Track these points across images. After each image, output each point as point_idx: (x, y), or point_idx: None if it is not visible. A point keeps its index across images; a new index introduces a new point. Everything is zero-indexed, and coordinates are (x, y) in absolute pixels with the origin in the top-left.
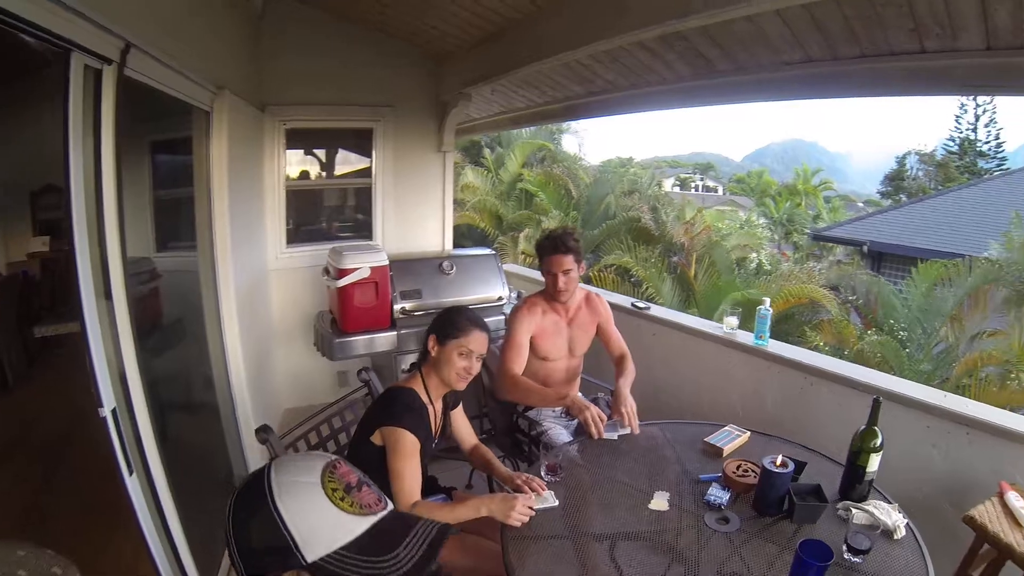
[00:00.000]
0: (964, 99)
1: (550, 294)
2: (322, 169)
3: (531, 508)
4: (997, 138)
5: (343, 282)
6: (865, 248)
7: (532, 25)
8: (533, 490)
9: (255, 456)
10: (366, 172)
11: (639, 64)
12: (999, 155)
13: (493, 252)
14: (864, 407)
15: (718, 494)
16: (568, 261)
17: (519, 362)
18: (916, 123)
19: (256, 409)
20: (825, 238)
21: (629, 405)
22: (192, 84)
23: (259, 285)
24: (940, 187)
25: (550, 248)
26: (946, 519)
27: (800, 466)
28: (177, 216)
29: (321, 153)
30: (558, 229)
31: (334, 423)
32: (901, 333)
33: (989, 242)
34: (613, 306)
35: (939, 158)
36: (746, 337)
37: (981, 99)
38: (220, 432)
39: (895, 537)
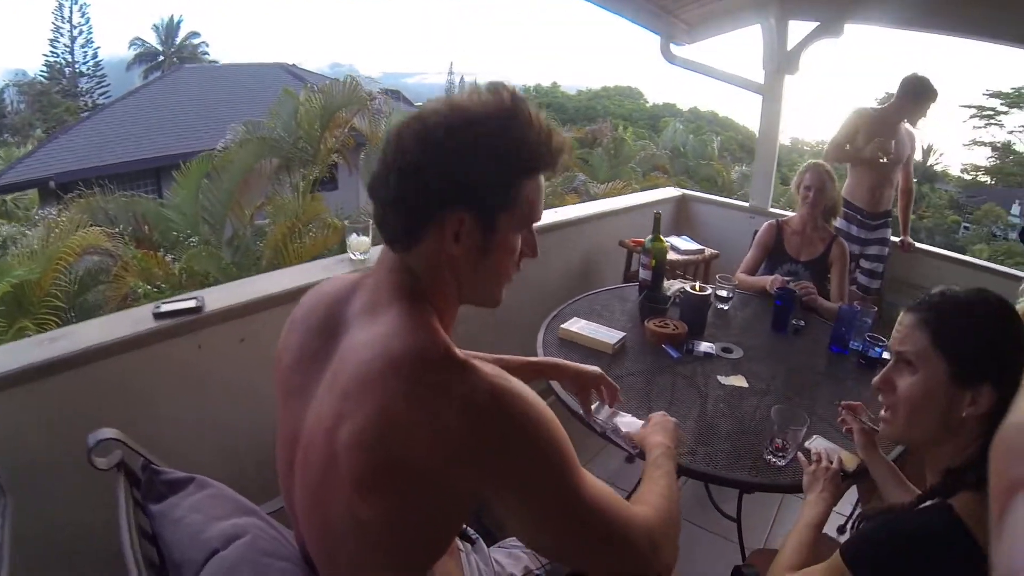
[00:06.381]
0: (60, 22)
1: None
2: None
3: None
4: (95, 56)
5: None
6: (52, 184)
7: None
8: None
9: None
10: None
11: None
12: (99, 73)
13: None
14: None
15: (702, 345)
16: None
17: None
18: None
19: None
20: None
21: None
22: None
23: None
24: (44, 114)
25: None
26: None
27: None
28: None
29: None
30: None
31: None
32: (192, 240)
33: (231, 127)
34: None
35: (40, 86)
36: None
37: (76, 20)
38: None
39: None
